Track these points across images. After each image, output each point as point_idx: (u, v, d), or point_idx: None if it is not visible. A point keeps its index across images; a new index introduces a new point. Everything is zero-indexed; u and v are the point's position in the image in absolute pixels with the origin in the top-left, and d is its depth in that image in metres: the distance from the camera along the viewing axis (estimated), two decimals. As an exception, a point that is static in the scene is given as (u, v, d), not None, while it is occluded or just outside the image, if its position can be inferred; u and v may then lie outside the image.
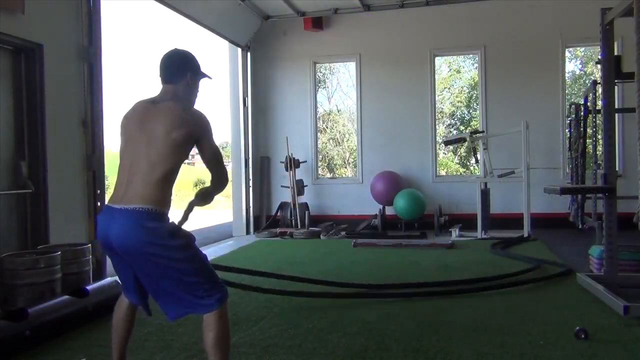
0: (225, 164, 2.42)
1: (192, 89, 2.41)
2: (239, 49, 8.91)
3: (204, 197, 2.38)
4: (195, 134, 2.25)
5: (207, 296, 2.21)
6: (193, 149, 2.34)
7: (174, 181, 2.29)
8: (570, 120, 7.81)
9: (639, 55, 3.42)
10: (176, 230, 2.21)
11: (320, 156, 11.71)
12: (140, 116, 2.30)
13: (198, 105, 2.44)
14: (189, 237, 2.26)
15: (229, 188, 9.71)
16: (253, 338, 3.26)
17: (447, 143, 8.89)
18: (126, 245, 2.15)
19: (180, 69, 2.38)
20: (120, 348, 2.44)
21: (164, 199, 2.21)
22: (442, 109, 13.88)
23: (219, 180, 2.36)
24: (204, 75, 2.49)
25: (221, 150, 2.40)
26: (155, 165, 2.18)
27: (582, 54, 13.16)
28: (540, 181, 7.51)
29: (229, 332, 2.28)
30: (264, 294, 4.36)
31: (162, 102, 2.30)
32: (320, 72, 13.22)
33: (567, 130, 8.22)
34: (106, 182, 5.32)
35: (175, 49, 2.45)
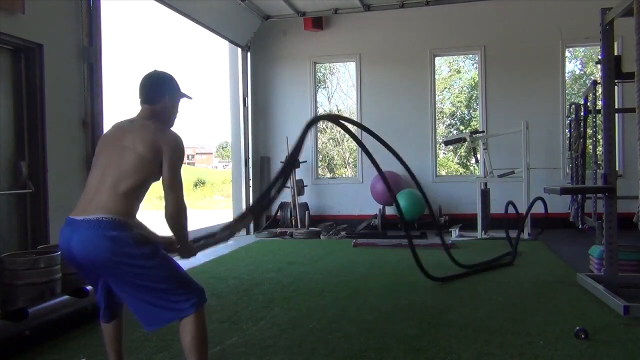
0: (182, 195, 2.27)
1: (171, 110, 2.44)
2: (239, 49, 8.92)
3: (180, 249, 2.37)
4: (160, 153, 2.21)
5: (181, 301, 2.19)
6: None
7: (142, 197, 2.26)
8: (570, 120, 7.81)
9: (639, 55, 3.43)
10: (140, 238, 2.17)
11: (320, 156, 11.71)
12: (115, 134, 2.33)
13: (183, 121, 2.44)
14: (153, 244, 2.21)
15: (229, 188, 9.72)
16: (253, 338, 3.26)
17: (447, 143, 8.89)
18: (89, 257, 2.13)
19: (159, 91, 2.40)
20: (115, 350, 2.44)
21: (128, 211, 2.17)
22: (442, 109, 13.87)
23: (169, 211, 2.21)
24: (184, 96, 2.51)
25: (181, 181, 2.29)
26: (122, 179, 2.17)
27: (582, 54, 13.15)
28: (540, 181, 7.50)
29: (206, 335, 2.27)
30: (263, 296, 4.37)
31: (139, 121, 2.33)
32: (320, 72, 13.22)
33: (567, 130, 8.22)
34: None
35: (155, 70, 2.47)
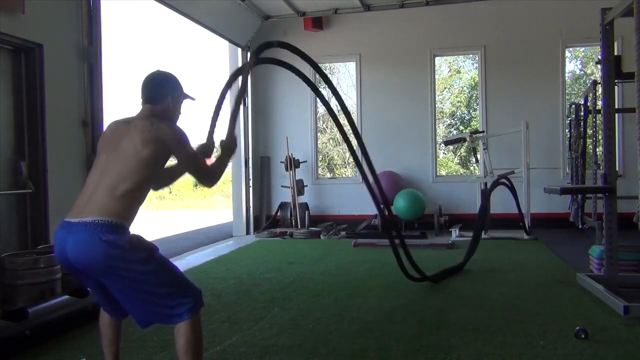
0: (204, 167, 2.41)
1: (173, 111, 2.42)
2: (239, 49, 8.90)
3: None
4: (165, 148, 2.23)
5: (177, 305, 2.16)
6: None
7: (141, 199, 2.24)
8: (570, 120, 7.81)
9: (639, 55, 3.43)
10: (136, 242, 2.15)
11: (320, 156, 11.71)
12: (111, 135, 2.30)
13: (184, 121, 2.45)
14: (150, 249, 2.19)
15: (229, 188, 9.73)
16: (253, 338, 3.26)
17: (447, 143, 8.89)
18: (84, 260, 2.09)
19: (161, 92, 2.37)
20: (112, 353, 2.42)
21: (125, 213, 2.15)
22: (442, 109, 13.87)
23: (205, 184, 2.43)
24: (187, 97, 2.48)
25: (197, 157, 2.39)
26: (122, 180, 2.14)
27: (582, 54, 13.15)
28: (540, 181, 7.51)
29: (201, 339, 2.25)
30: (263, 296, 4.37)
31: (137, 120, 2.30)
32: (321, 72, 13.19)
33: (567, 130, 8.22)
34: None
35: (158, 70, 2.45)
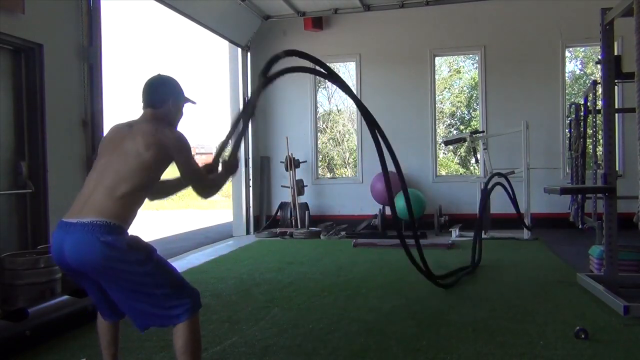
0: (203, 179, 2.41)
1: (175, 114, 2.42)
2: (239, 49, 8.91)
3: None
4: (167, 153, 2.24)
5: (174, 307, 2.16)
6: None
7: (140, 202, 2.24)
8: (570, 120, 7.80)
9: (639, 55, 3.43)
10: (134, 243, 2.15)
11: (320, 156, 11.71)
12: (113, 138, 2.31)
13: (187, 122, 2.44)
14: (147, 250, 2.19)
15: (229, 188, 9.74)
16: (253, 338, 3.26)
17: (447, 143, 8.90)
18: (82, 261, 2.08)
19: (162, 96, 2.38)
20: (111, 354, 2.42)
21: (124, 215, 2.15)
22: (442, 109, 13.88)
23: (200, 194, 2.40)
24: (188, 101, 2.49)
25: (197, 167, 2.40)
26: (122, 181, 2.14)
27: (582, 54, 13.15)
28: (540, 181, 7.51)
29: (199, 340, 2.24)
30: (263, 296, 4.38)
31: (139, 125, 2.30)
32: (320, 72, 13.19)
33: (567, 130, 8.22)
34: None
35: (159, 74, 2.45)
